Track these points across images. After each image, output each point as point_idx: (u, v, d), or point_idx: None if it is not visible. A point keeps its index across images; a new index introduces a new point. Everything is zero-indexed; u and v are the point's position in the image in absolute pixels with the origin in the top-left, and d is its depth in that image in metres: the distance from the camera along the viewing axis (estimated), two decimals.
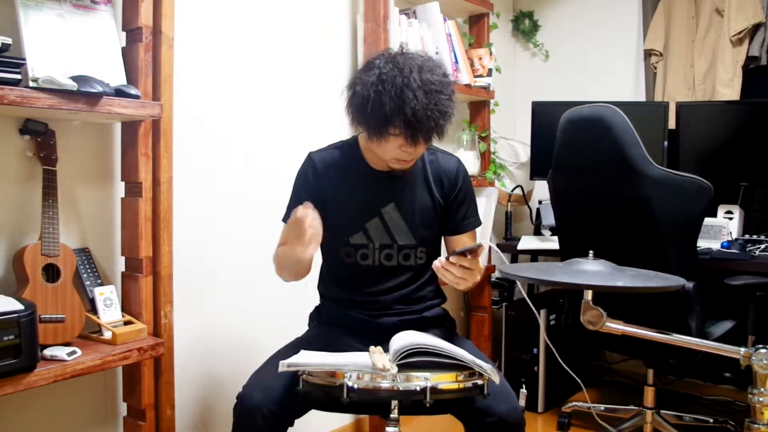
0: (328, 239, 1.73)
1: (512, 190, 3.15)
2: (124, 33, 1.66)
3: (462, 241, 1.74)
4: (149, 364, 1.65)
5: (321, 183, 1.67)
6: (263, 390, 1.45)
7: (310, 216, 1.44)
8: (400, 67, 1.46)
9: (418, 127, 1.46)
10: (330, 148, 1.73)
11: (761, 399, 1.37)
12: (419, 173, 1.69)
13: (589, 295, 1.43)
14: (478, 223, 1.77)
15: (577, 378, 1.53)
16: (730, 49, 2.82)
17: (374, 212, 1.66)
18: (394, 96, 1.44)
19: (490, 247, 2.97)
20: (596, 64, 3.27)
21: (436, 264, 1.46)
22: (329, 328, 1.71)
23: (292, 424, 1.49)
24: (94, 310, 1.62)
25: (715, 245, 2.41)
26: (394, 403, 1.33)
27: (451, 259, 1.42)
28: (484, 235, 2.77)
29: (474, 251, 1.41)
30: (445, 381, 1.29)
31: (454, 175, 1.71)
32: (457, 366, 1.31)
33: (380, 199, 1.66)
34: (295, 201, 1.68)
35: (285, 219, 1.69)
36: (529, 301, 1.81)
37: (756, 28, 2.77)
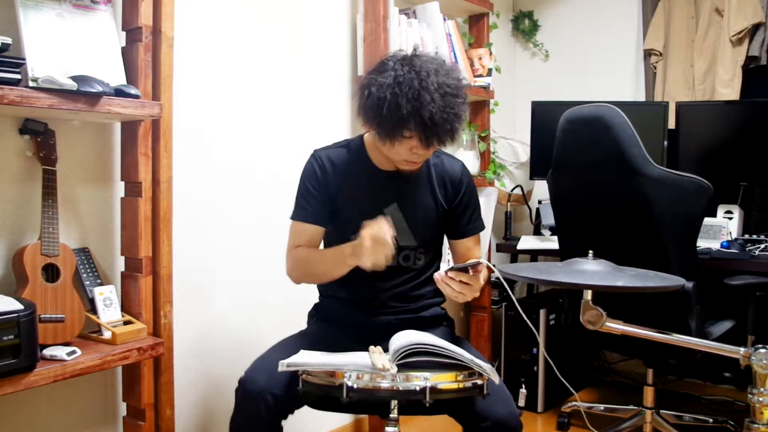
0: (330, 237, 1.74)
1: (512, 190, 3.15)
2: (124, 33, 1.66)
3: (466, 245, 1.75)
4: (149, 363, 1.65)
5: (329, 180, 1.66)
6: (267, 374, 1.44)
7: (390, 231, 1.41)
8: (417, 70, 1.47)
9: (433, 130, 1.47)
10: (335, 146, 1.72)
11: (761, 399, 1.37)
12: (424, 176, 1.70)
13: (588, 294, 1.43)
14: (482, 227, 1.78)
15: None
16: (729, 49, 2.82)
17: (377, 212, 1.65)
18: (411, 98, 1.45)
19: (489, 246, 2.98)
20: (596, 64, 3.27)
21: (437, 276, 1.47)
22: (328, 326, 1.72)
23: (292, 412, 1.49)
24: (93, 309, 1.62)
25: (715, 245, 2.41)
26: (394, 403, 1.34)
27: (450, 274, 1.43)
28: (484, 235, 2.76)
29: (474, 267, 1.42)
30: (445, 381, 1.29)
31: (459, 179, 1.72)
32: (457, 366, 1.31)
33: (384, 200, 1.67)
34: (304, 198, 1.65)
35: (294, 217, 1.66)
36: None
37: (756, 27, 2.77)
